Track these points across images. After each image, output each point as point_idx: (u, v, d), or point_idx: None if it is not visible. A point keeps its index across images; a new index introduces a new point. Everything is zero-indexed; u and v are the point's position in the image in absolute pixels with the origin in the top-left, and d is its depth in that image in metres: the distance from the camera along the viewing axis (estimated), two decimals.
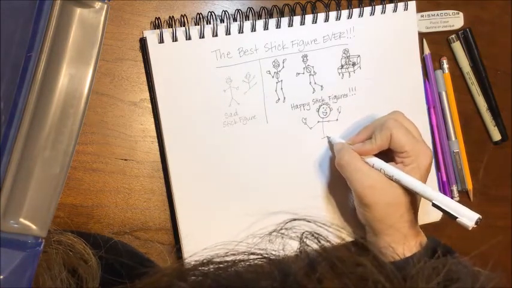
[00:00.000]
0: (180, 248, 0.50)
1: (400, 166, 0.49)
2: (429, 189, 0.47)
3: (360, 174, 0.49)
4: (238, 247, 0.30)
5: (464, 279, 0.28)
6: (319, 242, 0.29)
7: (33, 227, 0.33)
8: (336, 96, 0.55)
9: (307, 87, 0.54)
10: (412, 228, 0.49)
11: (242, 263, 0.29)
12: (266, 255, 0.29)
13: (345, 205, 0.56)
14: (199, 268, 0.30)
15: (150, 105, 0.51)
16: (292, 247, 0.30)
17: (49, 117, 0.33)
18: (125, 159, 0.51)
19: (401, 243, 0.47)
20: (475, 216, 0.43)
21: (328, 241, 0.30)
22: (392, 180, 0.48)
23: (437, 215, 0.59)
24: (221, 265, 0.29)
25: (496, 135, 0.63)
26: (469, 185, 0.62)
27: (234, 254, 0.30)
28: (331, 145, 0.55)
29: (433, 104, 0.60)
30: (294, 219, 0.31)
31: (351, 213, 0.56)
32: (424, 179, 0.49)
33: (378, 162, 0.49)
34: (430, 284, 0.27)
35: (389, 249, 0.47)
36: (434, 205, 0.46)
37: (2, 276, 0.31)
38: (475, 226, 0.43)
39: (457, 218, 0.44)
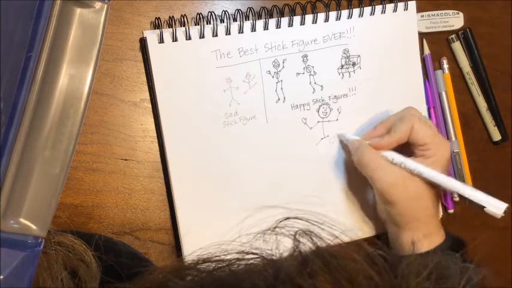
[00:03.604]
0: (179, 248, 0.51)
1: (420, 159, 0.49)
2: (454, 181, 0.47)
3: (382, 172, 0.48)
4: (234, 247, 0.31)
5: (454, 275, 0.28)
6: (312, 239, 0.30)
7: (33, 227, 0.33)
8: (336, 96, 0.55)
9: (307, 87, 0.54)
10: (435, 222, 0.49)
11: (237, 262, 0.29)
12: (260, 254, 0.30)
13: (345, 203, 0.56)
14: (195, 267, 0.30)
15: (150, 105, 0.51)
16: (285, 246, 0.30)
17: (49, 117, 0.33)
18: (125, 159, 0.51)
19: (426, 237, 0.47)
20: (503, 205, 0.45)
21: (321, 238, 0.30)
22: (413, 174, 0.48)
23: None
24: (216, 264, 0.30)
25: (496, 135, 0.63)
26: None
27: (229, 253, 0.30)
28: (343, 144, 0.55)
29: (433, 104, 0.60)
30: (288, 218, 0.32)
31: (351, 212, 0.56)
32: (445, 171, 0.49)
33: (398, 157, 0.49)
34: (419, 278, 0.27)
35: (413, 244, 0.47)
36: (460, 196, 0.46)
37: (2, 276, 0.31)
38: (504, 215, 0.44)
39: (485, 207, 0.45)
